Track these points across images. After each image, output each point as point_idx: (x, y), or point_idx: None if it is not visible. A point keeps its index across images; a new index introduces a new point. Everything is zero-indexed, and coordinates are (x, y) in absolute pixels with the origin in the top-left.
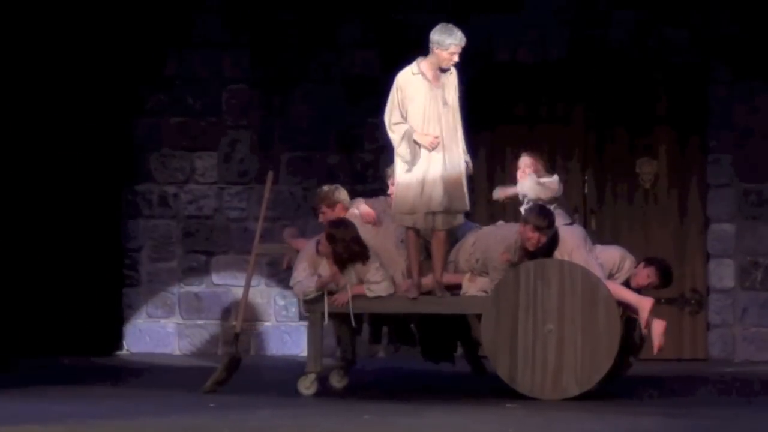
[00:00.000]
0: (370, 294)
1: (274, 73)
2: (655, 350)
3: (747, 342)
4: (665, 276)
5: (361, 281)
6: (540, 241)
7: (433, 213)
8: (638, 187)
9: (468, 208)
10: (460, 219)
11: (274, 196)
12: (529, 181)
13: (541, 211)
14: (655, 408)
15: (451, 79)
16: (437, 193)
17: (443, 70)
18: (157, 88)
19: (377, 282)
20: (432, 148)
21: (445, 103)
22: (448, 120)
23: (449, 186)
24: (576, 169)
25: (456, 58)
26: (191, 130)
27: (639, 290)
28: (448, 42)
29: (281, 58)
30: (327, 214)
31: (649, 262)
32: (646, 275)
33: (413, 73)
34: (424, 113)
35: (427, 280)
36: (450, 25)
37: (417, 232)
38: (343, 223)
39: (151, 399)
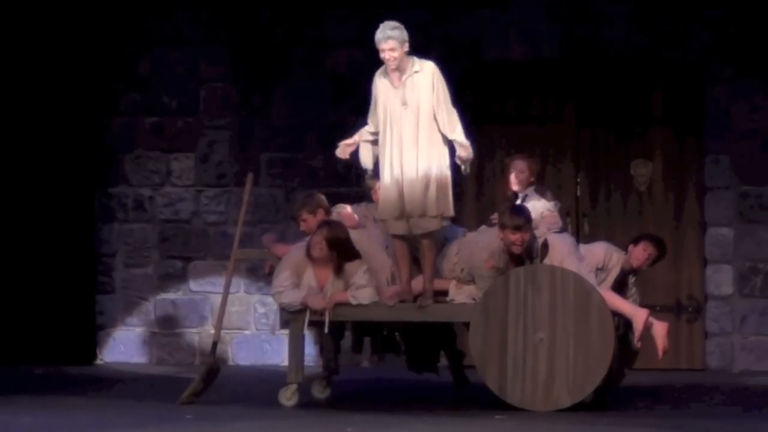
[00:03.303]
0: (353, 301)
1: (253, 71)
2: (660, 353)
3: (746, 351)
4: (659, 243)
5: (346, 285)
6: (524, 239)
7: (407, 218)
8: (633, 189)
9: (436, 212)
10: (432, 224)
11: (254, 199)
12: (540, 204)
13: (514, 211)
14: (650, 420)
15: (419, 79)
16: (392, 198)
17: (409, 71)
18: (131, 87)
19: (363, 286)
20: (342, 156)
21: (404, 104)
22: (408, 122)
23: (409, 190)
24: (568, 171)
25: (388, 56)
26: (167, 130)
27: (639, 270)
28: (376, 40)
29: (261, 55)
30: (309, 222)
31: (636, 239)
32: (642, 249)
33: (380, 74)
34: (385, 114)
35: (414, 284)
36: (384, 23)
37: (402, 238)
38: (334, 224)
39: (126, 410)
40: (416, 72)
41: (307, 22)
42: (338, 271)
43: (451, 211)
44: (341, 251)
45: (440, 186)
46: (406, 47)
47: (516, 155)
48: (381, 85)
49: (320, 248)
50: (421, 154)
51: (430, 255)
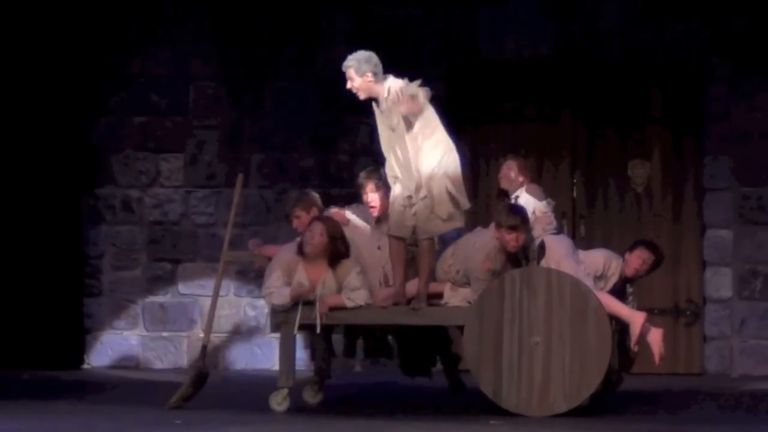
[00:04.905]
0: (350, 304)
1: (244, 69)
2: (657, 360)
3: (745, 355)
4: (656, 250)
5: (339, 286)
6: (519, 239)
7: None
8: (630, 190)
9: (445, 215)
10: (437, 226)
11: (244, 201)
12: (532, 203)
13: (511, 210)
14: (648, 425)
15: (388, 102)
16: (401, 210)
17: (383, 97)
18: (120, 86)
19: (356, 288)
20: None
21: (392, 129)
22: (402, 143)
23: (417, 199)
24: (564, 172)
25: (349, 83)
26: (156, 130)
27: (636, 278)
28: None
29: (252, 53)
30: (302, 218)
31: (633, 246)
32: (637, 257)
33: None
34: (385, 139)
35: (409, 287)
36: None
37: (399, 240)
38: (329, 219)
39: (114, 415)
40: (384, 96)
41: (298, 21)
42: (332, 264)
43: (460, 221)
44: (338, 247)
45: (449, 189)
46: (369, 77)
47: (507, 156)
48: (377, 114)
49: (320, 241)
50: (423, 163)
51: (428, 258)
